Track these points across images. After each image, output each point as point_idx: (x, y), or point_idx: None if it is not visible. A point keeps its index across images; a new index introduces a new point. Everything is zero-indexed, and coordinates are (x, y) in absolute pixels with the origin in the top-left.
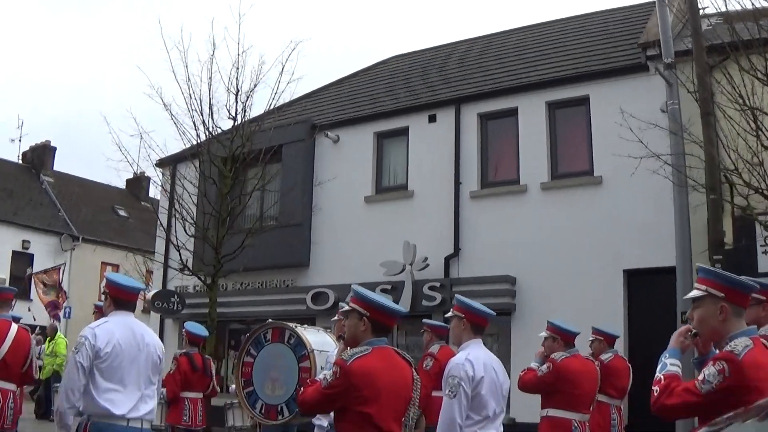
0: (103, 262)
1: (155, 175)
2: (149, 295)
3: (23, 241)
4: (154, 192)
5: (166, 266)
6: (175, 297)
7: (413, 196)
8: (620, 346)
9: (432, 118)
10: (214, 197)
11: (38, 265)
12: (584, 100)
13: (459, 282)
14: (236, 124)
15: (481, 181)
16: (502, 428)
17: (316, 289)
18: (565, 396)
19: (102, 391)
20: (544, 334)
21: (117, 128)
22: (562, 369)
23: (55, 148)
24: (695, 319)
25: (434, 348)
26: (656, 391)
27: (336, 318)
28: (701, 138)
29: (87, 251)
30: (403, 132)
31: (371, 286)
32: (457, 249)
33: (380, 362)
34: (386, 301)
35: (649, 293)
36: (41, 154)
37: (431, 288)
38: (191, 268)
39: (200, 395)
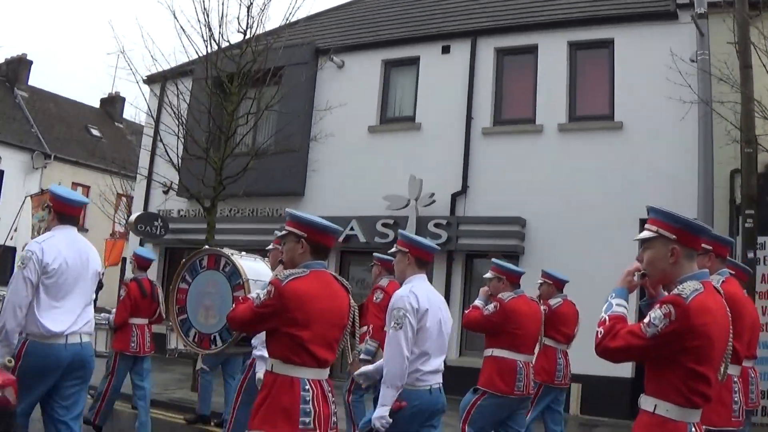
0: (74, 183)
1: (142, 93)
2: (132, 217)
3: None
4: (131, 113)
5: (149, 187)
6: (159, 221)
7: (420, 128)
8: (632, 299)
9: (445, 50)
10: (216, 115)
11: (8, 183)
12: (608, 43)
13: (466, 221)
14: (246, 38)
15: (494, 117)
16: (442, 367)
17: None
18: (510, 336)
19: (44, 309)
20: (489, 274)
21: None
22: (509, 309)
23: (31, 62)
24: (645, 260)
25: (383, 281)
26: (600, 332)
27: (271, 247)
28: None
29: (58, 170)
30: (413, 62)
31: (372, 220)
32: (465, 186)
33: (316, 286)
34: (323, 220)
35: None
36: (16, 68)
37: (437, 225)
38: (189, 190)
39: (147, 321)
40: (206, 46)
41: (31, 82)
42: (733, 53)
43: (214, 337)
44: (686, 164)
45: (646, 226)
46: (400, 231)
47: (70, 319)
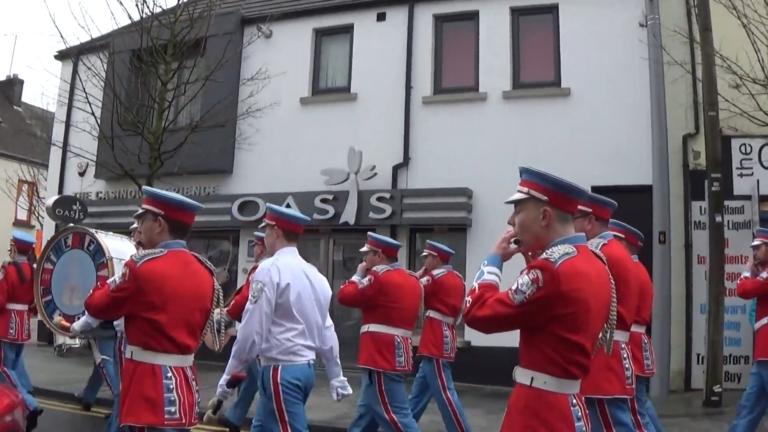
0: None
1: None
2: (49, 201)
3: None
4: (31, 97)
5: (63, 168)
6: (77, 204)
7: (356, 99)
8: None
9: (381, 17)
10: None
11: None
12: (552, 8)
13: (409, 193)
14: (180, 2)
15: (434, 86)
16: (333, 339)
17: (242, 198)
18: (386, 310)
19: None
20: (365, 248)
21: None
22: (383, 282)
23: None
24: (516, 223)
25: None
26: (468, 301)
27: (135, 226)
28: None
29: None
30: (347, 30)
31: (310, 196)
32: (406, 158)
33: (174, 267)
34: (181, 197)
35: (618, 213)
36: None
37: (379, 199)
38: (124, 167)
39: (26, 307)
40: (140, 12)
41: None
42: (682, 17)
43: (78, 318)
44: (637, 131)
45: (518, 187)
46: (268, 204)
47: None
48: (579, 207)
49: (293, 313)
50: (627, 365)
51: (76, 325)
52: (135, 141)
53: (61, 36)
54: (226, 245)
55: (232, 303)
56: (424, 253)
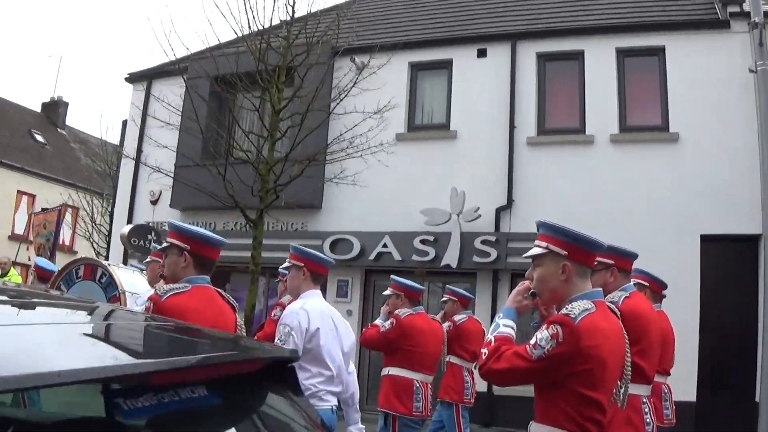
0: (19, 191)
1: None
2: (124, 230)
3: None
4: (72, 120)
5: (133, 195)
6: (152, 234)
7: (456, 137)
8: (692, 316)
9: (481, 53)
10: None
11: None
12: (658, 51)
13: (515, 237)
14: (290, 26)
15: (538, 127)
16: (354, 385)
17: (335, 235)
18: (408, 354)
19: None
20: (388, 292)
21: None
22: (405, 326)
23: None
24: (535, 278)
25: (285, 298)
26: (485, 354)
27: (149, 259)
28: None
29: (3, 177)
30: (444, 65)
31: (410, 236)
32: (510, 200)
33: (198, 303)
34: (207, 232)
35: (727, 261)
36: None
37: (484, 242)
38: (234, 199)
39: None
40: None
41: None
42: None
43: None
44: (747, 178)
45: (536, 242)
46: (292, 245)
47: None
48: (600, 259)
49: (323, 358)
50: (648, 419)
51: None
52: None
53: (172, 50)
54: None
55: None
56: (444, 299)
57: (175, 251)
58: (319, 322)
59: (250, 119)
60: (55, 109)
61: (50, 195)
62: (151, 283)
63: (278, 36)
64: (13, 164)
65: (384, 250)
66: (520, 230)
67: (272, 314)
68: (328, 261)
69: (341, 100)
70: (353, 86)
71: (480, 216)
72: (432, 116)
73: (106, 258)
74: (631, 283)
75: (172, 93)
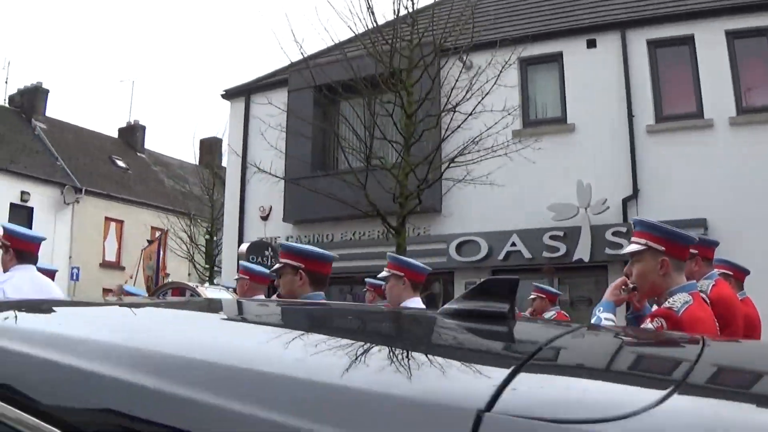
0: (107, 218)
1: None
2: (242, 248)
3: (22, 193)
4: (150, 143)
5: (242, 212)
6: (269, 250)
7: (574, 130)
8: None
9: (591, 44)
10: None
11: (38, 221)
12: (765, 31)
13: None
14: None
15: (656, 114)
16: None
17: (461, 237)
18: None
19: None
20: (532, 296)
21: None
22: None
23: (47, 91)
24: (635, 273)
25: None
26: None
27: (237, 277)
28: None
29: (90, 205)
30: (554, 58)
31: (539, 233)
32: (635, 190)
33: None
34: (318, 249)
35: None
36: (32, 98)
37: (615, 234)
38: (376, 208)
39: None
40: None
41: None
42: None
43: None
44: None
45: (633, 239)
46: (389, 254)
47: None
48: None
49: None
50: None
51: None
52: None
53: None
54: (436, 287)
55: None
56: (532, 296)
57: (290, 271)
58: None
59: (358, 125)
60: (132, 133)
61: (138, 220)
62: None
63: (400, 38)
64: (99, 191)
65: (512, 249)
66: (648, 219)
67: None
68: (427, 269)
69: (466, 101)
70: (470, 86)
71: (608, 207)
72: (546, 110)
73: (212, 277)
74: (714, 271)
75: (272, 106)
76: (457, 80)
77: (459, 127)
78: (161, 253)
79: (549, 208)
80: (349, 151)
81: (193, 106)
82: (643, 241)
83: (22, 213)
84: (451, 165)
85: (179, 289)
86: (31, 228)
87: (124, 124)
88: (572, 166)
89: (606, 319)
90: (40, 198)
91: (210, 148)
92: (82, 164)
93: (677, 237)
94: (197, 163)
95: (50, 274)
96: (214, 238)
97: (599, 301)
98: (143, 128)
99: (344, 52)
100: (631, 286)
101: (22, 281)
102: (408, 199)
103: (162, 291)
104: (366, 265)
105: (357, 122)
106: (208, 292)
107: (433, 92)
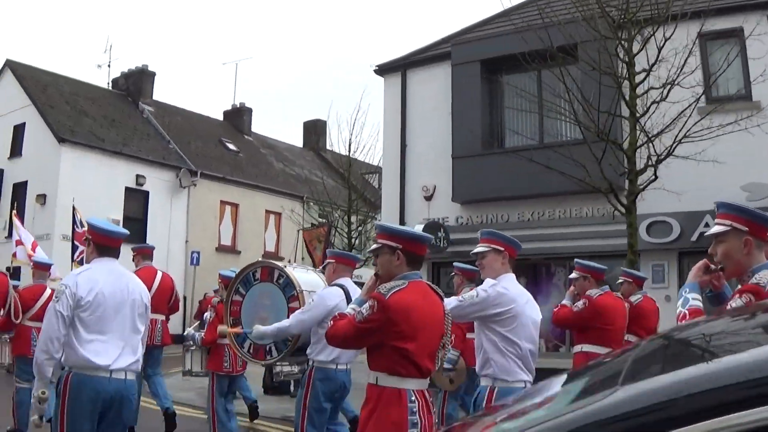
0: (222, 201)
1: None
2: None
3: (137, 176)
4: (257, 126)
5: (403, 192)
6: (441, 231)
7: (761, 107)
8: None
9: None
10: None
11: (154, 205)
12: None
13: None
14: None
15: None
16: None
17: (650, 218)
18: (599, 332)
19: (84, 341)
20: (574, 274)
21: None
22: (598, 305)
23: (154, 74)
24: (720, 253)
25: (465, 291)
26: None
27: (327, 262)
28: None
29: (204, 188)
30: (733, 33)
31: None
32: None
33: (416, 296)
34: (414, 230)
35: None
36: (138, 81)
37: None
38: (609, 181)
39: None
40: None
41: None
42: None
43: (270, 348)
44: None
45: (718, 220)
46: (483, 229)
47: (114, 352)
48: None
49: (517, 339)
50: None
51: (256, 330)
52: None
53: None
54: (618, 271)
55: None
56: (619, 281)
57: (388, 251)
58: (516, 302)
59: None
60: (239, 116)
61: (253, 203)
62: (328, 282)
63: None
64: (214, 174)
65: (706, 230)
66: (732, 202)
67: None
68: (519, 243)
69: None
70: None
71: None
72: (728, 88)
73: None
74: None
75: (430, 81)
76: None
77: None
78: (327, 242)
79: (742, 188)
80: (570, 122)
81: (296, 87)
82: (727, 222)
83: (137, 197)
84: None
85: (267, 269)
86: (147, 212)
87: (228, 107)
88: (763, 145)
89: (693, 299)
90: (156, 181)
91: (314, 130)
92: (193, 147)
93: (759, 218)
94: (302, 146)
95: (46, 267)
96: (351, 220)
97: None
98: (250, 110)
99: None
100: (718, 266)
101: (96, 273)
102: (637, 176)
103: (251, 270)
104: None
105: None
106: (296, 272)
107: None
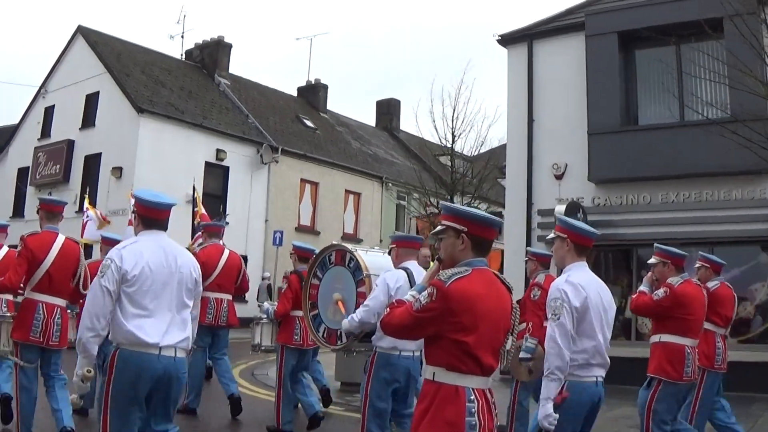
0: (302, 179)
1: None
2: (560, 208)
3: (218, 151)
4: (341, 104)
5: (530, 169)
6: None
7: None
8: None
9: None
10: None
11: (234, 181)
12: None
13: None
14: None
15: None
16: (607, 359)
17: None
18: (679, 321)
19: (131, 317)
20: (653, 260)
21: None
22: (679, 294)
23: (230, 46)
24: None
25: (540, 277)
26: None
27: (391, 247)
28: None
29: (285, 166)
30: None
31: None
32: None
33: (480, 286)
34: (484, 212)
35: None
36: (213, 53)
37: None
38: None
39: None
40: None
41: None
42: None
43: (341, 333)
44: None
45: None
46: (558, 215)
47: (161, 328)
48: None
49: (590, 332)
50: None
51: (345, 322)
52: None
53: None
54: (764, 257)
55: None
56: (697, 265)
57: (452, 233)
58: (586, 294)
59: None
60: (314, 92)
61: (333, 182)
62: (394, 266)
63: None
64: (296, 151)
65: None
66: None
67: (530, 295)
68: (593, 232)
69: None
70: None
71: None
72: None
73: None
74: None
75: (559, 52)
76: None
77: None
78: None
79: None
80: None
81: (369, 65)
82: None
83: (217, 172)
84: None
85: (341, 252)
86: (227, 189)
87: (302, 83)
88: None
89: None
90: (236, 157)
91: (388, 109)
92: (272, 123)
93: None
94: (374, 125)
95: (115, 243)
96: (454, 200)
97: None
98: (325, 87)
99: None
100: None
101: (143, 246)
102: None
103: (327, 253)
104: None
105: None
106: (367, 256)
107: None
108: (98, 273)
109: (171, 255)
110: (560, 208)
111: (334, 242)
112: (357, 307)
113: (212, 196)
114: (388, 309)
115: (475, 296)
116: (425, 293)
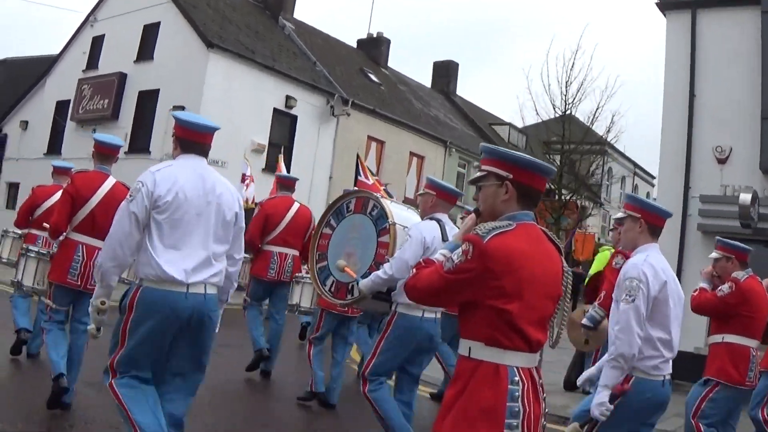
0: (369, 136)
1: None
2: (746, 197)
3: (287, 98)
4: (395, 61)
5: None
6: (757, 203)
7: None
8: None
9: None
10: None
11: (301, 131)
12: None
13: None
14: None
15: None
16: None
17: None
18: (744, 320)
19: (159, 249)
20: (715, 254)
21: None
22: (746, 290)
23: None
24: None
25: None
26: None
27: (425, 191)
28: None
29: (353, 120)
30: None
31: None
32: None
33: (526, 243)
34: (531, 157)
35: None
36: None
37: None
38: None
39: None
40: None
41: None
42: None
43: (352, 287)
44: None
45: None
46: (628, 194)
47: (191, 263)
48: None
49: (665, 318)
50: None
51: (364, 284)
52: None
53: None
54: None
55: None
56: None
57: (494, 181)
58: (665, 277)
59: None
60: (375, 46)
61: (398, 142)
62: (422, 216)
63: None
64: (365, 106)
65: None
66: None
67: (613, 262)
68: (667, 213)
69: None
70: None
71: None
72: None
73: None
74: None
75: (733, 26)
76: None
77: None
78: None
79: None
80: None
81: (427, 24)
82: None
83: (284, 120)
84: None
85: (362, 199)
86: (293, 139)
87: (362, 36)
88: None
89: None
90: (306, 106)
91: (446, 72)
92: (339, 73)
93: None
94: (430, 86)
95: (65, 171)
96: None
97: None
98: (388, 41)
99: None
100: None
101: (178, 171)
102: None
103: (346, 201)
104: None
105: None
106: (392, 206)
107: None
108: (127, 197)
109: (209, 182)
110: (745, 197)
111: (355, 188)
112: (377, 258)
113: (278, 146)
114: (414, 269)
115: (520, 255)
116: (459, 251)
